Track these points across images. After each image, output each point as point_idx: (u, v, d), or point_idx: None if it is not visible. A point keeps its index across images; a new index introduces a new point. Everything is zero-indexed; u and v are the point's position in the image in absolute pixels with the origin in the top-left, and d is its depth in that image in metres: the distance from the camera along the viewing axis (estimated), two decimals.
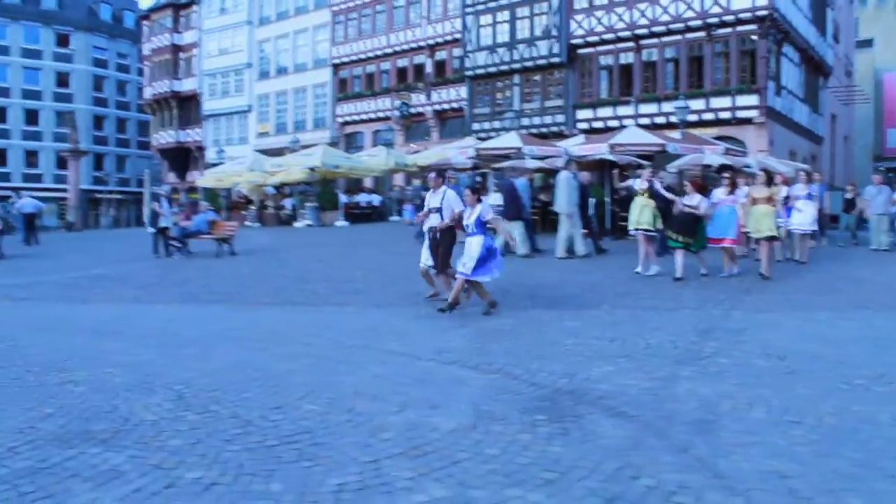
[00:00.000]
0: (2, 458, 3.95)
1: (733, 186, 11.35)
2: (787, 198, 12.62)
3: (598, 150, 18.26)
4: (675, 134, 21.35)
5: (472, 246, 7.91)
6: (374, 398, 5.00)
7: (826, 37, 31.62)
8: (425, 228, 8.85)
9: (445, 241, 8.55)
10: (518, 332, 7.29)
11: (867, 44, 49.25)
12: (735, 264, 11.00)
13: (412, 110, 35.44)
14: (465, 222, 8.15)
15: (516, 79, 31.02)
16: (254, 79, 44.25)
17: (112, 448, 4.05)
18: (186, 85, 48.29)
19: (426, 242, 8.79)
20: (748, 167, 16.26)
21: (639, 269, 11.32)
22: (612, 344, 6.65)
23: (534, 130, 29.21)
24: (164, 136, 50.33)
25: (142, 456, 3.94)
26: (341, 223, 27.13)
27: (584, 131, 27.66)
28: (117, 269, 14.25)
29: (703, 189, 10.97)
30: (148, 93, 51.22)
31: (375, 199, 29.87)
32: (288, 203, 29.32)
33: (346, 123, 39.52)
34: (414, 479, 3.67)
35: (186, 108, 48.97)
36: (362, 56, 38.04)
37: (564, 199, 13.52)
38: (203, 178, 31.84)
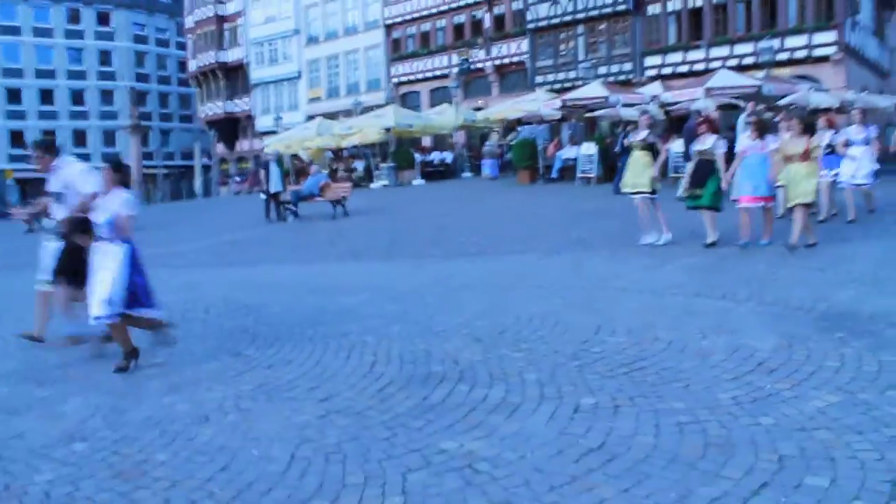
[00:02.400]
0: (386, 398, 4.34)
1: (762, 131, 8.70)
2: (831, 146, 10.11)
3: (694, 94, 18.20)
4: (759, 75, 21.17)
5: None
6: (671, 328, 5.31)
7: None
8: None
9: None
10: (723, 266, 7.56)
11: None
12: (768, 232, 8.51)
13: (472, 66, 35.30)
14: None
15: (580, 29, 30.71)
16: (302, 44, 44.22)
17: (479, 385, 4.39)
18: (233, 55, 48.42)
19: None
20: (850, 104, 15.93)
21: (648, 239, 9.14)
22: (822, 273, 6.90)
23: (600, 80, 28.99)
24: (211, 108, 50.67)
25: (517, 391, 4.30)
26: (418, 182, 27.40)
27: (653, 78, 27.38)
28: (247, 235, 14.70)
29: (716, 129, 8.95)
30: (192, 66, 51.45)
31: (448, 157, 30.04)
32: (359, 165, 29.61)
33: (401, 84, 39.44)
34: (792, 388, 3.98)
35: (233, 78, 49.18)
36: (416, 15, 37.76)
37: None
38: (270, 146, 32.12)
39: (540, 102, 25.43)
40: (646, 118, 9.89)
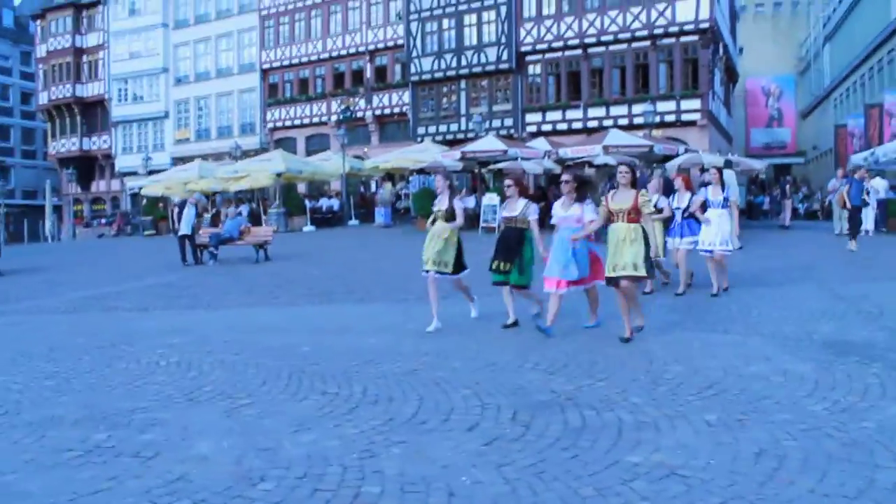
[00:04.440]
0: (527, 424, 4.66)
1: (579, 194, 7.24)
2: (687, 208, 9.54)
3: (592, 151, 19.73)
4: (638, 135, 23.28)
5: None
6: (713, 358, 6.00)
7: (736, 45, 35.00)
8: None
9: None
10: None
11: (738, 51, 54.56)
12: (594, 311, 7.48)
13: (353, 115, 35.80)
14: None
15: (463, 84, 32.18)
16: (170, 83, 42.85)
17: (597, 410, 4.83)
18: (91, 89, 45.97)
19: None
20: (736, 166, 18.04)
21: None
22: None
23: (480, 134, 30.45)
24: (64, 144, 47.58)
25: (642, 413, 4.78)
26: (308, 228, 27.26)
27: (534, 134, 29.28)
28: (176, 279, 14.12)
29: (526, 191, 7.87)
30: (43, 98, 48.21)
31: (335, 204, 30.11)
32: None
33: (277, 129, 39.20)
34: (864, 400, 4.74)
35: (91, 114, 46.60)
36: (295, 61, 37.89)
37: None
38: (149, 187, 30.76)
39: (431, 153, 26.40)
40: (440, 178, 8.19)
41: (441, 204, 7.85)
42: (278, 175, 26.61)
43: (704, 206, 9.42)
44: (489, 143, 22.86)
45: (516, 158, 21.09)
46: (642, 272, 6.69)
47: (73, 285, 13.85)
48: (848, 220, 14.83)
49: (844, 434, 4.12)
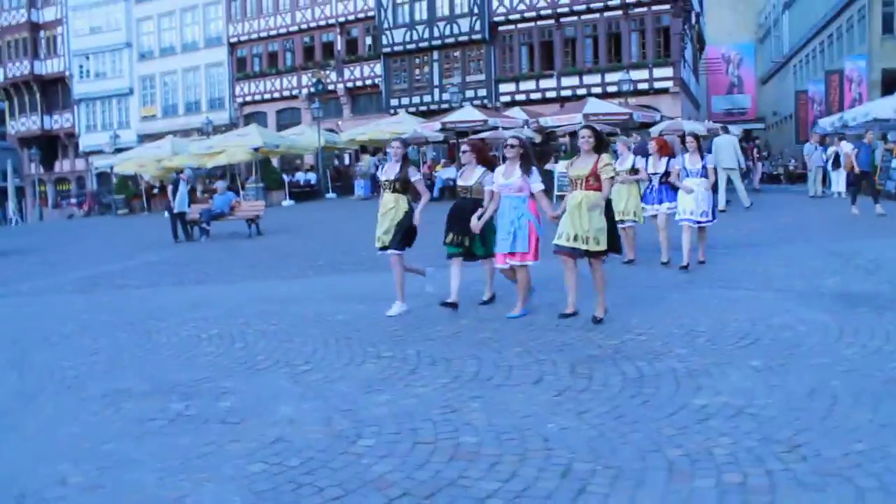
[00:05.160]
0: (588, 373, 4.96)
1: (525, 162, 6.43)
2: (666, 173, 9.06)
3: (573, 119, 20.01)
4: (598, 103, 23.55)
5: None
6: (743, 312, 6.37)
7: (703, 12, 35.49)
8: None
9: None
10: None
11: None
12: (522, 299, 6.65)
13: (325, 88, 35.55)
14: None
15: (435, 55, 32.14)
16: (134, 59, 41.95)
17: (646, 361, 5.15)
18: (51, 66, 44.79)
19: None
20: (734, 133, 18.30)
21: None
22: None
23: (455, 104, 30.55)
24: (24, 123, 46.37)
25: (692, 360, 5.11)
26: (287, 202, 27.21)
27: (507, 104, 29.48)
28: (172, 255, 14.12)
29: (486, 159, 7.02)
30: None
31: (312, 178, 30.04)
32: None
33: (246, 103, 38.74)
34: (889, 343, 5.13)
35: (52, 92, 45.45)
36: (263, 34, 37.39)
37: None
38: (121, 164, 30.28)
39: (408, 125, 26.46)
40: (397, 144, 7.03)
41: (389, 173, 6.91)
42: (256, 150, 26.43)
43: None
44: (468, 114, 23.01)
45: (496, 128, 21.26)
46: (602, 245, 6.05)
47: (69, 265, 13.76)
48: (855, 184, 14.81)
49: (882, 373, 4.49)
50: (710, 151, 10.11)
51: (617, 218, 7.66)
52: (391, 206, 6.84)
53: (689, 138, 9.26)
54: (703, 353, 5.14)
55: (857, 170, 14.24)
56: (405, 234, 6.88)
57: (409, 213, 6.87)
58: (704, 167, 8.87)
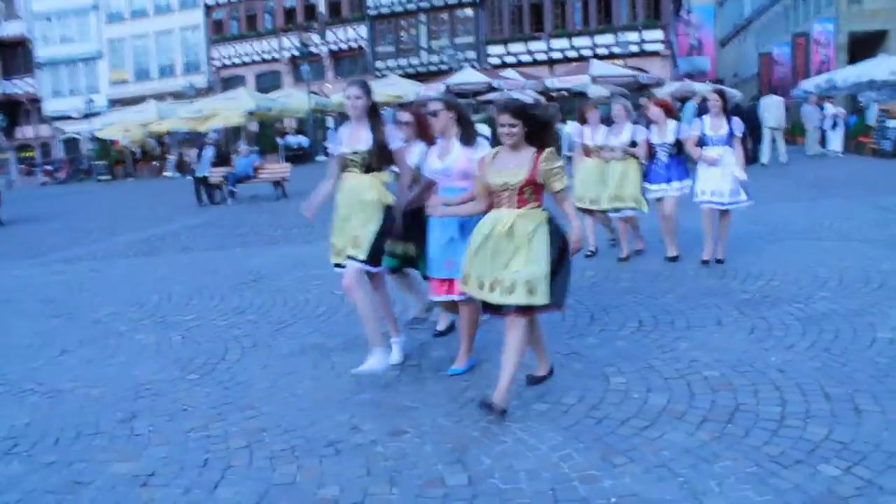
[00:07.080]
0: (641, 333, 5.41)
1: (465, 127, 4.29)
2: (676, 143, 7.15)
3: (580, 80, 20.35)
4: (602, 65, 24.00)
5: None
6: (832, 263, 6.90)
7: None
8: None
9: None
10: None
11: None
12: (465, 347, 4.54)
13: (309, 51, 35.14)
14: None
15: (422, 17, 32.01)
16: (102, 21, 40.67)
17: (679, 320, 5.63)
18: (10, 29, 43.13)
19: None
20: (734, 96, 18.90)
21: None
22: None
23: (444, 67, 30.62)
24: None
25: (722, 315, 5.60)
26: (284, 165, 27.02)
27: (497, 66, 29.64)
28: (208, 219, 14.11)
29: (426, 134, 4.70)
30: None
31: (304, 141, 29.88)
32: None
33: (224, 67, 38.06)
34: None
35: (12, 55, 43.85)
36: None
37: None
38: (103, 130, 29.62)
39: (401, 87, 26.46)
40: (355, 87, 4.48)
41: (354, 142, 4.37)
42: (250, 113, 26.15)
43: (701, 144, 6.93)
44: (471, 76, 23.15)
45: (503, 90, 21.48)
46: (540, 298, 3.53)
47: (104, 231, 13.63)
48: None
49: None
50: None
51: (610, 206, 7.21)
52: (363, 198, 4.33)
53: (713, 96, 7.05)
54: (847, 296, 5.63)
55: None
56: (383, 240, 4.40)
57: (390, 207, 4.38)
58: (731, 133, 6.83)
